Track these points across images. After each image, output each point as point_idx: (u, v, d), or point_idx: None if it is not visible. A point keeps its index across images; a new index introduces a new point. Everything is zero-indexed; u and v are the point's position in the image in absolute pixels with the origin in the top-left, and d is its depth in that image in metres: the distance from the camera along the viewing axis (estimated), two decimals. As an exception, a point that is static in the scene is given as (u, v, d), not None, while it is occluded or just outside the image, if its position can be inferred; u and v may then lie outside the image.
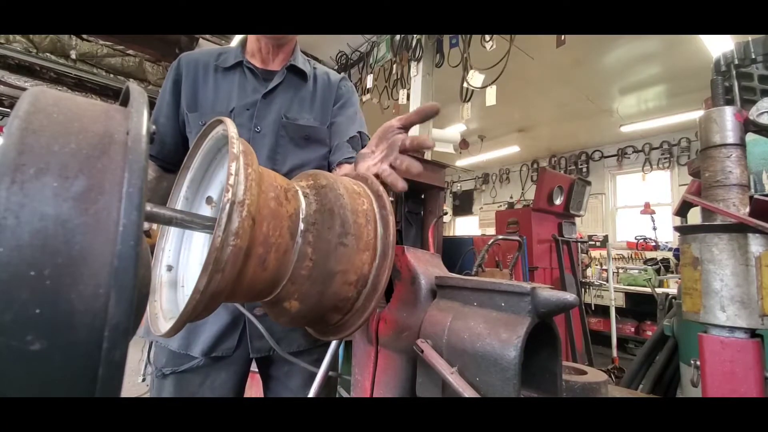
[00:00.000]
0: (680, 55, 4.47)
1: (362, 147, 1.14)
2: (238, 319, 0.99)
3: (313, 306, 0.46)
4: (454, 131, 5.15)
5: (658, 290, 3.15)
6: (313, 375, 1.03)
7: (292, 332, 1.02)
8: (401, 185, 0.62)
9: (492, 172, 9.59)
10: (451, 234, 9.48)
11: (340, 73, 1.26)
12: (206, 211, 0.52)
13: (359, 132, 1.14)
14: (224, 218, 0.34)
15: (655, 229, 6.11)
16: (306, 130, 1.09)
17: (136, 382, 2.78)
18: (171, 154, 1.08)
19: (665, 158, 6.88)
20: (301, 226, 0.45)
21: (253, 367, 1.07)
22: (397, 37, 4.20)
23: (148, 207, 0.37)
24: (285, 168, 1.05)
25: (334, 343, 0.77)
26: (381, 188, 0.53)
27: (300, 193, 0.47)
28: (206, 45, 3.77)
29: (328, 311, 0.49)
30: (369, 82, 4.62)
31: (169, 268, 0.51)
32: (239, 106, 1.04)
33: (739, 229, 0.70)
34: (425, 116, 0.64)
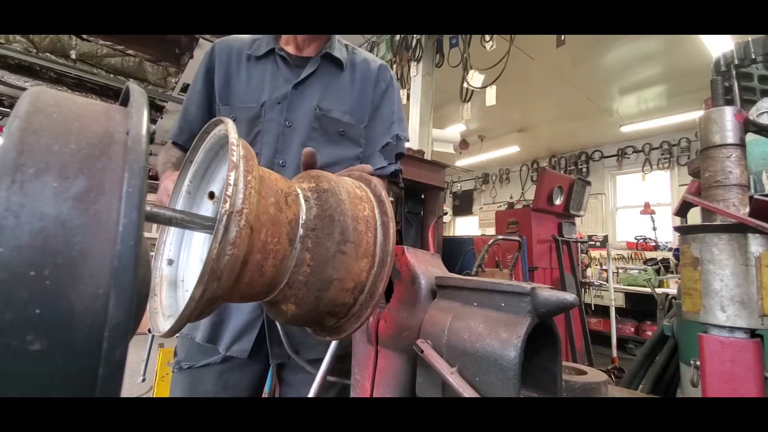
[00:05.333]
0: (680, 55, 4.47)
1: (398, 150, 1.10)
2: (255, 320, 0.95)
3: (309, 310, 0.46)
4: (454, 131, 5.15)
5: (658, 290, 3.15)
6: (329, 386, 0.99)
7: (311, 338, 0.98)
8: None
9: (492, 172, 9.59)
10: (451, 234, 9.48)
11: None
12: (208, 206, 0.52)
13: (396, 135, 1.07)
14: (221, 229, 0.34)
15: (654, 229, 6.11)
16: (341, 125, 1.01)
17: (136, 382, 2.77)
18: None
19: (665, 158, 6.88)
20: (300, 231, 0.45)
21: None
22: (397, 37, 4.19)
23: (148, 207, 0.37)
24: (317, 165, 1.01)
25: (333, 344, 0.77)
26: (384, 193, 0.53)
27: (301, 196, 0.47)
28: (207, 45, 3.75)
29: (325, 315, 0.49)
30: (369, 82, 4.60)
31: (170, 263, 0.51)
32: (270, 100, 0.98)
33: (739, 229, 0.70)
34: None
